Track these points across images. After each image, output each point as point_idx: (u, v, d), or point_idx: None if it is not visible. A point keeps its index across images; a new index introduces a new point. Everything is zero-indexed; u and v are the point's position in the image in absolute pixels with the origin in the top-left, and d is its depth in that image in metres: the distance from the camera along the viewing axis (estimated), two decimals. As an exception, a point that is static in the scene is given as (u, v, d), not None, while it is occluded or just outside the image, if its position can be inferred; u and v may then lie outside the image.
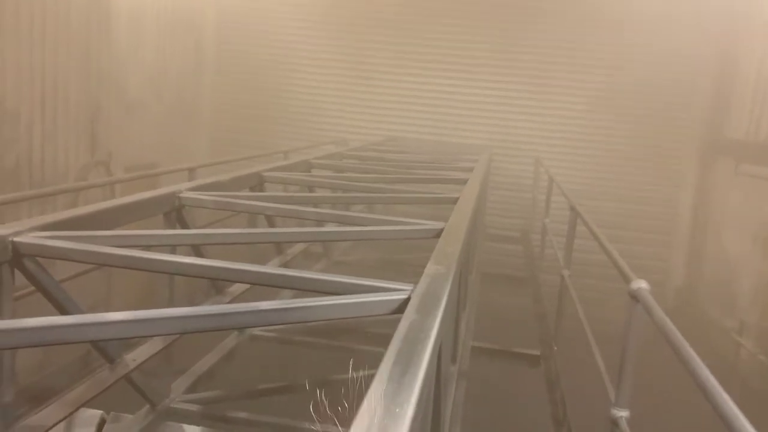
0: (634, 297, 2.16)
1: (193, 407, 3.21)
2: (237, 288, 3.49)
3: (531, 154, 8.91)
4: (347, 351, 4.39)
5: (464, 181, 4.09)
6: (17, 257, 2.02)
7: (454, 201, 3.32)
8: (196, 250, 2.94)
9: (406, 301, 1.75)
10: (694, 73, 8.59)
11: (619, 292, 2.46)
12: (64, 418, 2.41)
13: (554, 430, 3.27)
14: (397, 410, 1.14)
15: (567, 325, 4.21)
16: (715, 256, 8.19)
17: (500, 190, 8.91)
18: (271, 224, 3.96)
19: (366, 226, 2.78)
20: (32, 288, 2.66)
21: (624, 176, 8.83)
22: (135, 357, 2.83)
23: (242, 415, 3.29)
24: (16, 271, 2.08)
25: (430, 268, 2.03)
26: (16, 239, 1.98)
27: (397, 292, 1.84)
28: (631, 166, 8.81)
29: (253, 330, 4.32)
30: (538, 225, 7.29)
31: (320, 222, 3.23)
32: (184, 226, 2.97)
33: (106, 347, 2.59)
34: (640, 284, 2.14)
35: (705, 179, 8.68)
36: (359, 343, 4.39)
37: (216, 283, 3.18)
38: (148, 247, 2.31)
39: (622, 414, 2.25)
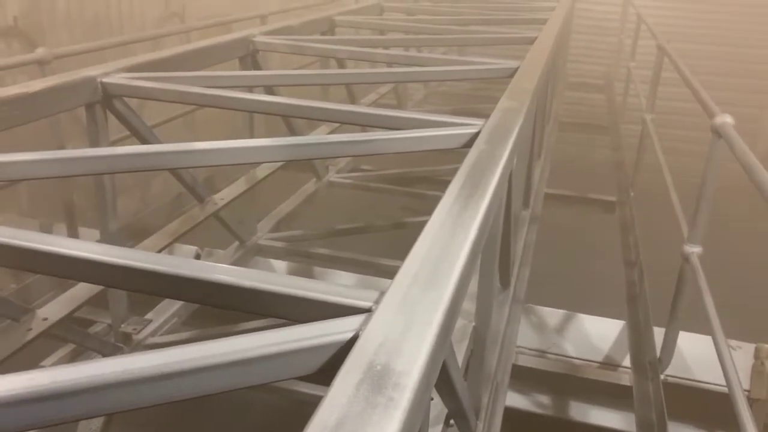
0: (717, 132, 2.08)
1: (279, 244, 3.44)
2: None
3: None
4: (422, 198, 4.49)
5: (544, 21, 3.88)
6: (107, 98, 2.13)
7: (532, 41, 3.18)
8: (271, 93, 3.00)
9: (477, 134, 1.75)
10: None
11: (706, 141, 2.32)
12: (161, 250, 2.64)
13: (625, 271, 3.31)
14: (462, 226, 1.18)
15: (646, 173, 4.11)
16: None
17: (584, 34, 8.39)
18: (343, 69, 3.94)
19: (438, 66, 2.73)
20: (126, 134, 2.84)
21: (720, 17, 8.09)
22: (222, 197, 3.03)
23: (324, 251, 3.50)
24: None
25: (503, 103, 2.00)
26: (104, 80, 2.08)
27: (468, 126, 1.84)
28: (728, 4, 8.03)
29: (331, 177, 4.46)
30: (623, 72, 6.91)
31: (392, 65, 3.19)
32: (259, 70, 3.02)
33: (195, 187, 2.77)
34: (725, 119, 2.05)
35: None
36: (434, 190, 4.46)
37: (292, 129, 3.26)
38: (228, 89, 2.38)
39: (695, 250, 2.23)
